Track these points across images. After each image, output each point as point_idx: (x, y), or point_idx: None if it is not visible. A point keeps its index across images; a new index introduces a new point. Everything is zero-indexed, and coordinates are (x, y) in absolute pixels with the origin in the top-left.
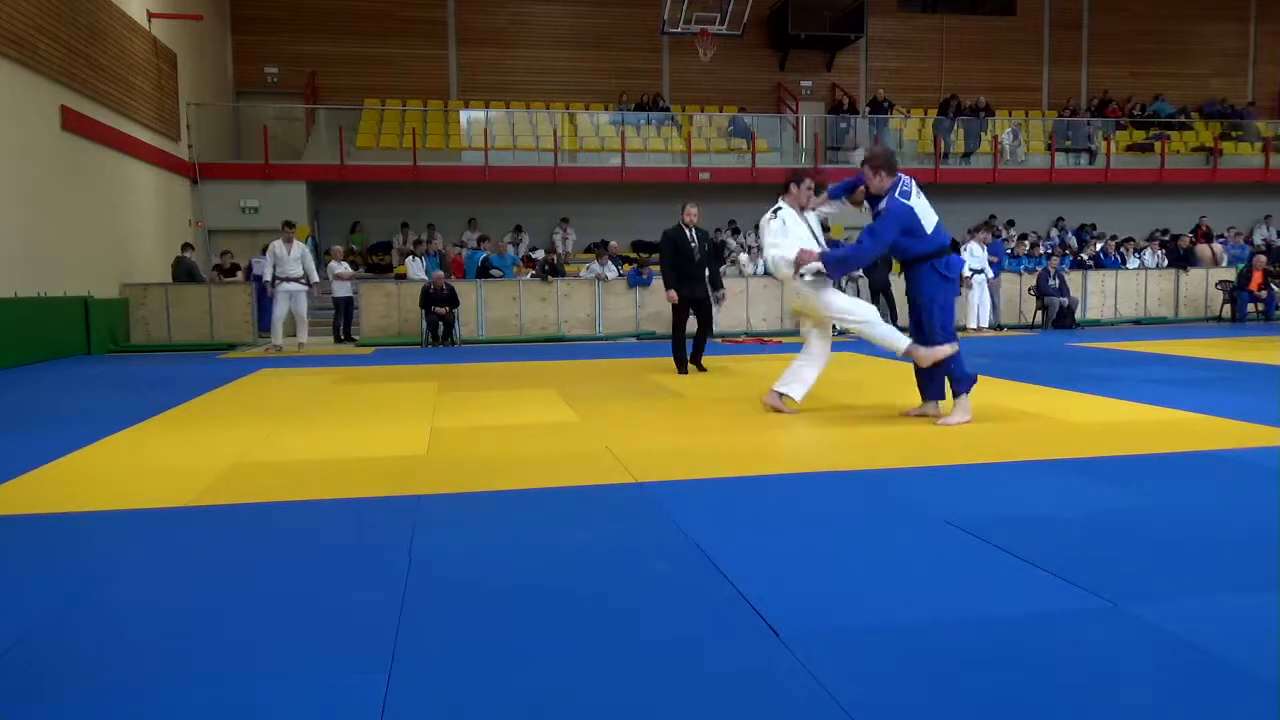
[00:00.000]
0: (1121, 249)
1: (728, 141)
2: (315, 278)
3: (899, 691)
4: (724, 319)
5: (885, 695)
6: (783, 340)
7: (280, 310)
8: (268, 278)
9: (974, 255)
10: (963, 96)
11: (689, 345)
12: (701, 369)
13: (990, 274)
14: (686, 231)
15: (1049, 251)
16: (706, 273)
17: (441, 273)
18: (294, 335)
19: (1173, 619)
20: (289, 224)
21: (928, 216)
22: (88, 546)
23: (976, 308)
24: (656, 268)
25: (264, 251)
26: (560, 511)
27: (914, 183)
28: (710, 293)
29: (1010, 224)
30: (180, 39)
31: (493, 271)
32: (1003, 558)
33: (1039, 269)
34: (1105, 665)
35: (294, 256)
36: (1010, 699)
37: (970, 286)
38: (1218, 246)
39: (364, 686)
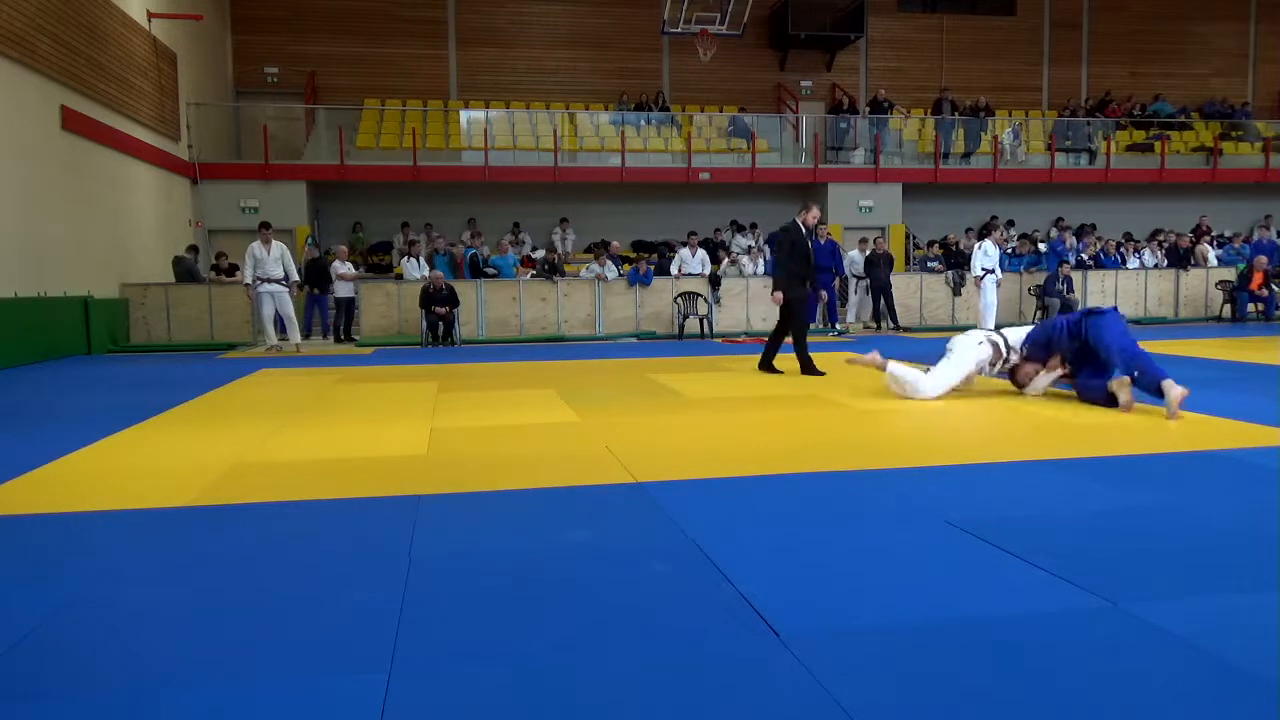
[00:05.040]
0: (1121, 249)
1: (728, 141)
2: (295, 277)
3: (899, 691)
4: (724, 319)
5: (885, 695)
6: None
7: (267, 310)
8: (248, 279)
9: (988, 255)
10: (962, 96)
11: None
12: (776, 371)
13: (999, 275)
14: (802, 231)
15: (1063, 258)
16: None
17: (441, 273)
18: (286, 338)
19: (1173, 619)
20: (265, 225)
21: None
22: (88, 546)
23: (986, 308)
24: (655, 267)
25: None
26: (560, 511)
27: None
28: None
29: (1010, 224)
30: (180, 39)
31: (487, 270)
32: (1003, 558)
33: (1049, 272)
34: (1105, 665)
35: (273, 257)
36: (1010, 699)
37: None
38: (1206, 248)
39: (364, 686)
